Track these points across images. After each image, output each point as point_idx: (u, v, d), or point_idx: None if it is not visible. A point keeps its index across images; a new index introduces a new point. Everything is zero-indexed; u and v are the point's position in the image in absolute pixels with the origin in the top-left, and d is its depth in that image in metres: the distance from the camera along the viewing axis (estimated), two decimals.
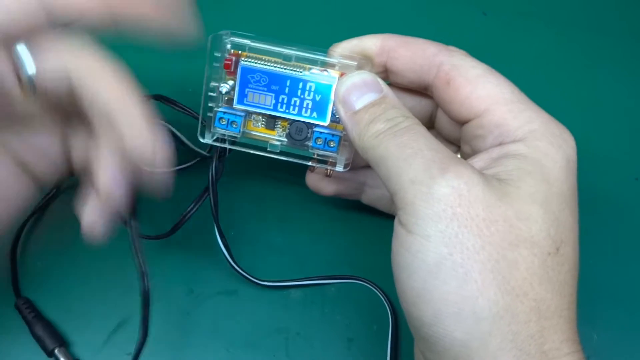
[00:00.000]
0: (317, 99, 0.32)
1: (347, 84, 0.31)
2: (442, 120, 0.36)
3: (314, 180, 0.38)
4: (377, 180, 0.38)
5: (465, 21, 0.50)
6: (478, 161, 0.31)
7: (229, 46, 0.32)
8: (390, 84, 0.35)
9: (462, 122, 0.33)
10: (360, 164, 0.34)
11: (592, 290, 0.40)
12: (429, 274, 0.27)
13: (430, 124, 0.37)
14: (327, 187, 0.38)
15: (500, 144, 0.30)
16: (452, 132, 0.36)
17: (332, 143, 0.33)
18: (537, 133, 0.30)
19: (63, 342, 0.36)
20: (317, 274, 0.40)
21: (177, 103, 0.37)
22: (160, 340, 0.37)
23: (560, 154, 0.29)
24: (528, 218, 0.27)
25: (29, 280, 0.38)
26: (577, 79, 0.49)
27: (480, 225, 0.26)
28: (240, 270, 0.38)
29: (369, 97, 0.31)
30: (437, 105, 0.35)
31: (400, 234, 0.28)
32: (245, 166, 0.42)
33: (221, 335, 0.38)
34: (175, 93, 0.37)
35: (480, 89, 0.31)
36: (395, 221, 0.29)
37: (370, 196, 0.40)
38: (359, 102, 0.30)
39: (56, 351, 0.36)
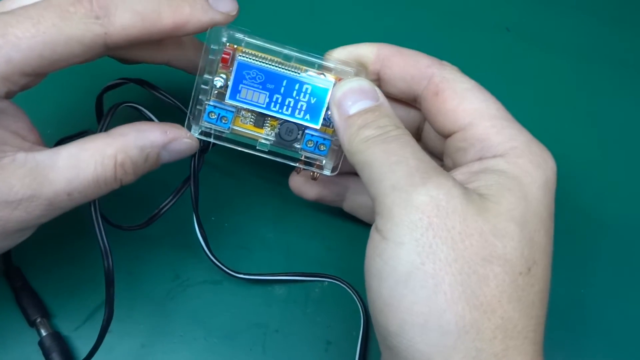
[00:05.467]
0: (312, 101, 0.32)
1: (345, 88, 0.31)
2: (428, 133, 0.36)
3: (297, 183, 0.38)
4: (359, 187, 0.38)
5: (488, 36, 0.49)
6: (458, 175, 0.30)
7: (224, 39, 0.32)
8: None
9: (446, 135, 0.33)
10: (345, 170, 0.34)
11: (561, 314, 0.40)
12: (399, 282, 0.27)
13: (417, 136, 0.37)
14: (310, 191, 0.38)
15: (480, 159, 0.30)
16: (438, 146, 0.36)
17: (322, 147, 0.33)
18: (517, 150, 0.30)
19: (46, 314, 0.37)
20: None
21: (159, 90, 0.36)
22: (141, 322, 0.38)
23: (540, 173, 0.29)
24: (504, 235, 0.27)
25: (22, 249, 0.37)
26: (596, 104, 0.48)
27: (456, 237, 0.26)
28: (217, 262, 0.38)
29: (364, 104, 0.31)
30: (425, 118, 0.35)
31: (375, 240, 0.28)
32: (232, 161, 0.42)
33: (201, 324, 0.38)
34: (157, 78, 0.36)
35: (466, 102, 0.31)
36: (372, 227, 0.29)
37: (352, 204, 0.39)
38: (354, 107, 0.31)
39: (37, 321, 0.36)
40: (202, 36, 0.32)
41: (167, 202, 0.36)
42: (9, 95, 0.29)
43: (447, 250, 0.26)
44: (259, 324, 0.39)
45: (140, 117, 0.35)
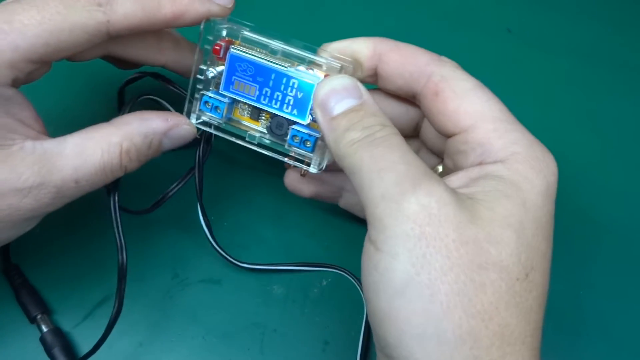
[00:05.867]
0: (299, 96, 0.32)
1: (327, 88, 0.30)
2: (427, 130, 0.35)
3: (292, 181, 0.38)
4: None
5: (489, 37, 0.49)
6: (457, 179, 0.30)
7: (224, 33, 0.33)
8: (379, 89, 0.35)
9: (447, 135, 0.32)
10: (339, 167, 0.34)
11: (559, 316, 0.39)
12: (396, 294, 0.26)
13: (415, 133, 0.37)
14: (305, 189, 0.38)
15: (480, 163, 0.30)
16: (437, 144, 0.35)
17: (308, 143, 0.33)
18: (519, 156, 0.29)
19: (46, 310, 0.37)
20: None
21: (173, 83, 0.37)
22: (140, 320, 0.38)
23: (541, 178, 0.29)
24: (499, 242, 0.27)
25: (20, 246, 0.39)
26: (597, 106, 0.47)
27: (450, 246, 0.26)
28: (221, 250, 0.38)
29: (347, 103, 0.30)
30: (424, 116, 0.34)
31: (369, 252, 0.28)
32: (237, 155, 0.43)
33: (199, 322, 0.38)
34: (170, 72, 0.37)
35: (468, 103, 0.31)
36: (366, 238, 0.28)
37: (349, 200, 0.39)
38: (338, 108, 0.30)
39: (38, 318, 0.37)
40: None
41: (171, 188, 0.37)
42: (16, 83, 0.30)
43: (442, 259, 0.26)
44: (257, 323, 0.39)
45: (159, 109, 0.36)
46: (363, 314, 0.38)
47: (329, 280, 0.40)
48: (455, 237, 0.26)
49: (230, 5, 0.33)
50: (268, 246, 0.41)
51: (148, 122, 0.33)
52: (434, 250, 0.26)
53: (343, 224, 0.41)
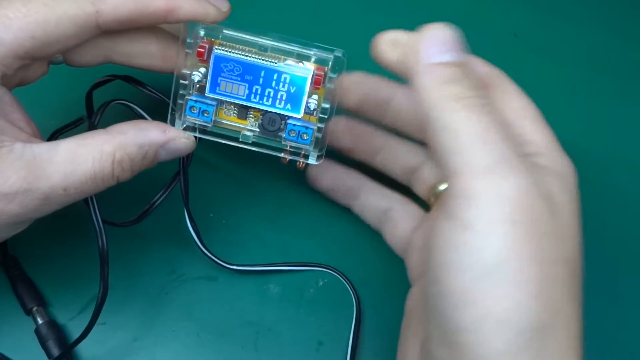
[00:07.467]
0: (292, 90, 0.32)
1: (430, 33, 0.28)
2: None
3: (314, 169, 0.38)
4: (373, 191, 0.38)
5: (495, 41, 0.48)
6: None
7: (202, 33, 0.32)
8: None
9: None
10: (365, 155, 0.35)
11: None
12: (482, 275, 0.25)
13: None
14: (324, 179, 0.38)
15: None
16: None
17: (305, 135, 0.32)
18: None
19: (42, 302, 0.37)
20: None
21: (145, 85, 0.36)
22: (135, 316, 0.38)
23: (575, 175, 0.29)
24: (572, 237, 0.27)
25: (18, 239, 0.37)
26: (601, 112, 0.46)
27: (539, 236, 0.25)
28: (209, 254, 0.38)
29: (451, 56, 0.27)
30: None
31: (450, 229, 0.26)
32: (227, 155, 0.42)
33: (195, 319, 0.38)
34: (143, 75, 0.36)
35: None
36: (441, 215, 0.27)
37: (365, 204, 0.38)
38: (438, 56, 0.27)
39: (34, 310, 0.37)
40: None
41: (158, 196, 0.36)
42: (6, 83, 0.30)
43: (529, 248, 0.25)
44: (252, 321, 0.38)
45: (131, 114, 0.35)
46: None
47: (325, 280, 0.39)
48: (544, 229, 0.25)
49: (225, 10, 0.32)
50: (266, 245, 0.40)
51: (145, 133, 0.31)
52: (526, 238, 0.25)
53: (342, 226, 0.41)
